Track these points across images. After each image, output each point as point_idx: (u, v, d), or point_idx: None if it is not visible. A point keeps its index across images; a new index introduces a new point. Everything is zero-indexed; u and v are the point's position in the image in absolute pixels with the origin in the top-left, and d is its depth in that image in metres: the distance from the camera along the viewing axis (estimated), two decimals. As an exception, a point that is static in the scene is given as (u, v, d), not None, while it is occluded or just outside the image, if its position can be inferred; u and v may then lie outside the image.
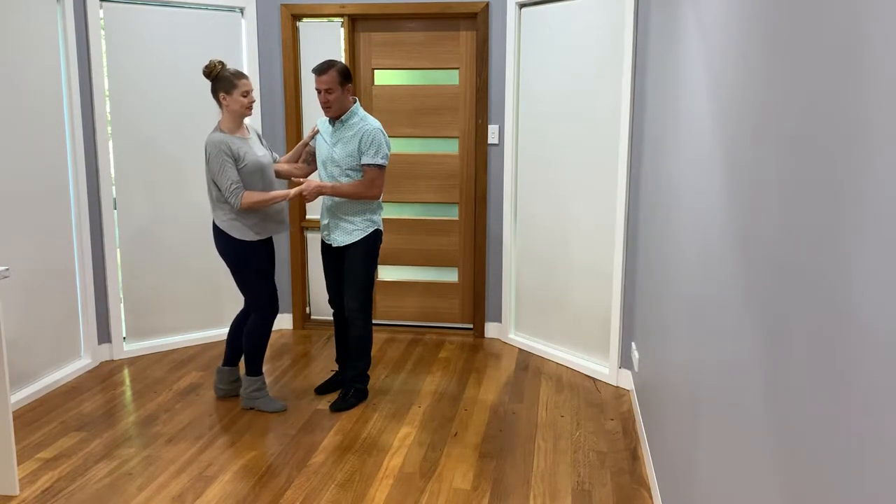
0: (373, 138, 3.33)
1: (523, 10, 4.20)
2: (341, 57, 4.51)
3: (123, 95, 4.09)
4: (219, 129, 3.31)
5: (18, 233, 3.55)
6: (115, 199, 4.13)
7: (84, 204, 3.97)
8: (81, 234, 3.97)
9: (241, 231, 3.32)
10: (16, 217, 3.53)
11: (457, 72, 4.48)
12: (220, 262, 4.49)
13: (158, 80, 4.18)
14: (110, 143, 4.08)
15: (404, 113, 4.57)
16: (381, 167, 3.36)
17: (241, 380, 3.65)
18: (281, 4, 4.43)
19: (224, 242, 3.35)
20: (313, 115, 4.56)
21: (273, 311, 3.46)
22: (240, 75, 3.28)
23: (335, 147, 3.41)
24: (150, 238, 4.26)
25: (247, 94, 3.28)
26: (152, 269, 4.30)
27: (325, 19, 4.49)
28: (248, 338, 3.45)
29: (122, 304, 4.23)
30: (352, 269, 3.48)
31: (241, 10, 4.38)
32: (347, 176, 3.40)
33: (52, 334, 3.81)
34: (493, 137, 4.41)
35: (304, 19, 4.51)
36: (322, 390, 3.74)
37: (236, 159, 3.27)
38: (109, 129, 4.07)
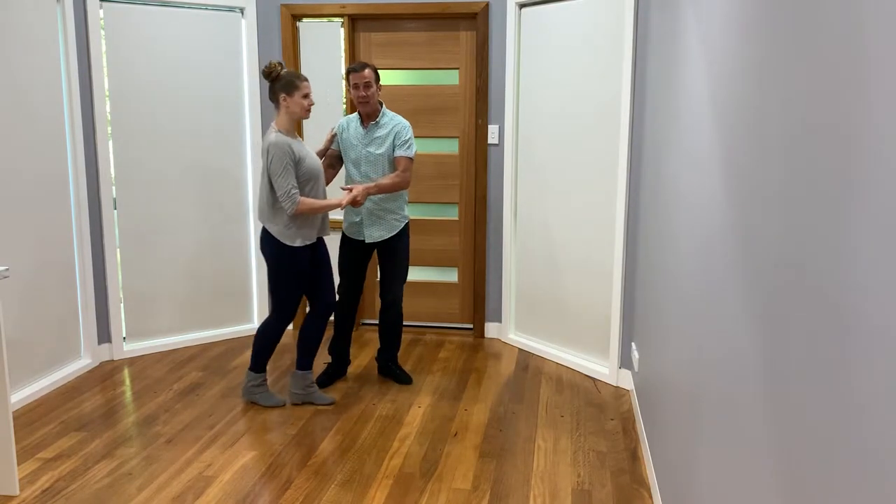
0: (406, 133, 3.58)
1: (523, 10, 4.20)
2: (341, 57, 4.51)
3: (123, 95, 4.09)
4: (276, 129, 3.28)
5: (18, 233, 3.55)
6: (115, 199, 4.13)
7: (84, 204, 3.97)
8: (81, 233, 3.97)
9: (292, 239, 3.31)
10: (16, 217, 3.53)
11: (457, 72, 4.48)
12: (222, 262, 4.50)
13: (158, 79, 4.18)
14: (110, 143, 4.08)
15: (404, 113, 4.57)
16: (411, 159, 3.59)
17: (314, 385, 3.59)
18: (281, 4, 4.43)
19: (273, 245, 3.32)
20: (314, 115, 4.56)
21: (289, 318, 3.46)
22: (300, 77, 3.28)
23: (369, 147, 3.58)
24: (150, 238, 4.26)
25: (307, 95, 3.28)
26: (152, 269, 4.30)
27: (325, 19, 4.49)
28: (259, 335, 3.49)
29: (122, 304, 4.23)
30: (399, 261, 3.72)
31: (241, 10, 4.38)
32: (383, 171, 3.59)
33: (52, 334, 3.81)
34: (493, 137, 4.41)
35: (304, 19, 4.51)
36: (321, 384, 3.78)
37: (298, 162, 3.25)
38: (109, 128, 4.07)
